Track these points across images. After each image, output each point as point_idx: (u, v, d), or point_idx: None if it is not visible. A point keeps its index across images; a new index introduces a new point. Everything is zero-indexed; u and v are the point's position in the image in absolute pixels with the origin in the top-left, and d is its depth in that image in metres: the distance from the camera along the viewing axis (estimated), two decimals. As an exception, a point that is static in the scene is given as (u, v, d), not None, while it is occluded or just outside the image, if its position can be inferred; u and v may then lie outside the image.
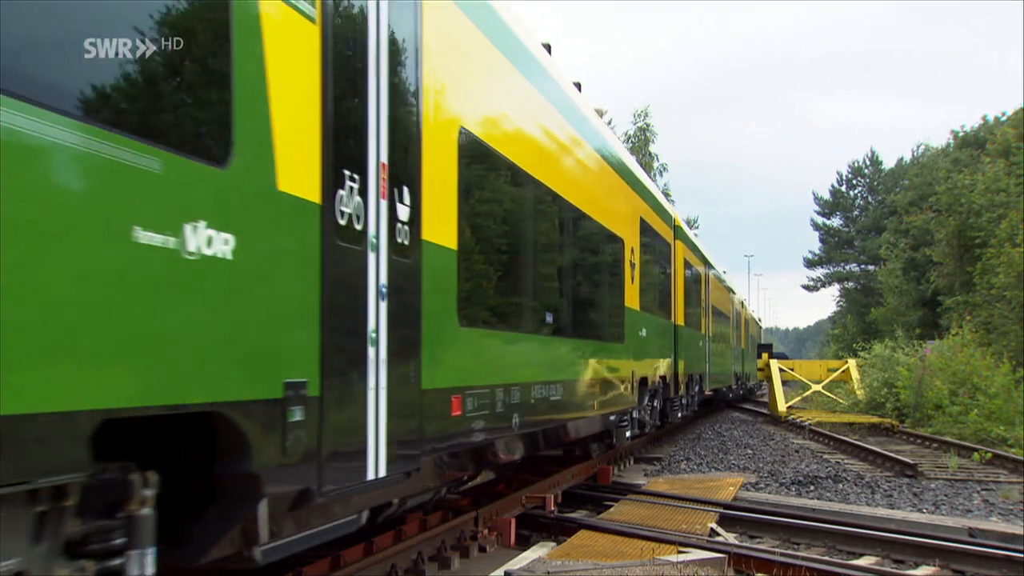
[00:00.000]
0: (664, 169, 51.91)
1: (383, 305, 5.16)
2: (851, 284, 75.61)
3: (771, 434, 22.79)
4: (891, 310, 50.63)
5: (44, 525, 3.20)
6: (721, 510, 10.68)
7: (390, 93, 5.35)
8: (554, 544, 8.81)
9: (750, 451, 18.33)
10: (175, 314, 3.54)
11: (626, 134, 48.79)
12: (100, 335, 3.16)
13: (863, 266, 73.78)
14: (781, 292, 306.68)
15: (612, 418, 12.16)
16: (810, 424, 23.29)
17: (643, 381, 14.09)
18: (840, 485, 13.34)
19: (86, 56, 3.16)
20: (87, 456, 3.16)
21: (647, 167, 46.56)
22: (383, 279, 5.18)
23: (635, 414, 13.72)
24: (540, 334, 8.83)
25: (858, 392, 27.97)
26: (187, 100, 3.76)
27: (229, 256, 3.80)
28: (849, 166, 79.01)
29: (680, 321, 18.59)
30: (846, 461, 16.70)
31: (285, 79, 4.31)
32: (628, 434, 13.49)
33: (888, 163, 76.19)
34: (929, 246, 42.44)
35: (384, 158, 5.24)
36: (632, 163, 15.17)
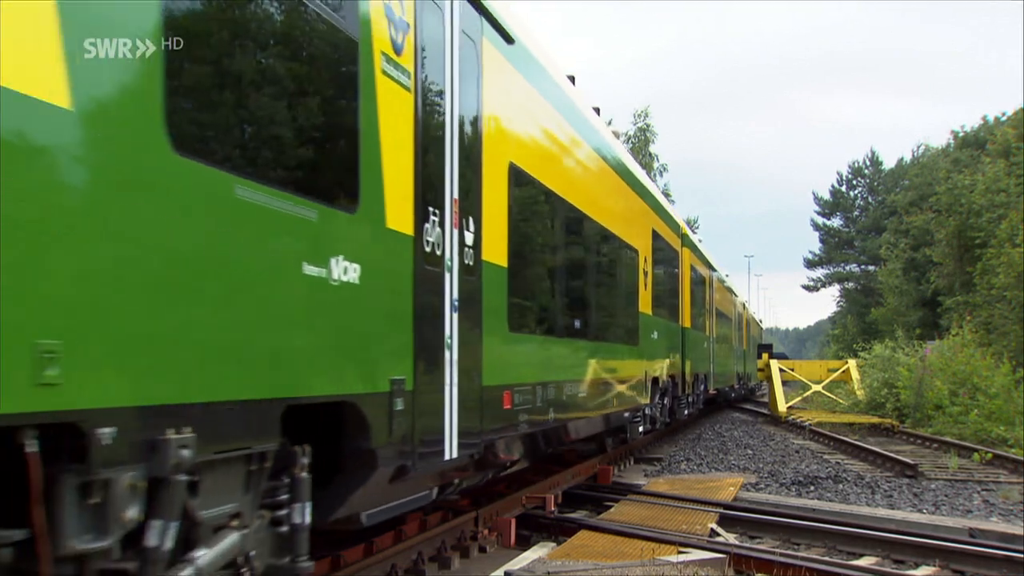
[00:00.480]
0: (664, 169, 51.92)
1: (455, 316, 6.27)
2: (851, 284, 75.55)
3: (771, 434, 22.79)
4: (891, 310, 50.60)
5: (250, 480, 4.23)
6: (721, 510, 10.67)
7: (460, 141, 6.49)
8: (554, 544, 8.81)
9: (750, 451, 18.33)
10: (328, 327, 4.63)
11: (626, 134, 48.76)
12: (291, 345, 4.33)
13: (863, 266, 73.73)
14: (781, 292, 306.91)
15: (626, 414, 12.95)
16: (810, 424, 23.29)
17: (655, 381, 15.03)
18: (840, 485, 13.34)
19: (279, 144, 4.41)
20: (279, 431, 4.26)
21: (647, 167, 46.54)
22: (455, 294, 6.29)
23: (647, 411, 14.47)
24: (570, 338, 9.89)
25: (858, 392, 27.96)
26: (331, 165, 4.88)
27: (357, 281, 4.88)
28: (849, 166, 79.02)
29: (687, 323, 19.53)
30: (846, 461, 16.70)
31: (392, 138, 5.40)
32: (641, 429, 14.34)
33: (888, 163, 76.22)
34: (929, 246, 42.40)
35: (455, 195, 6.37)
36: (644, 178, 16.28)
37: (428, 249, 5.82)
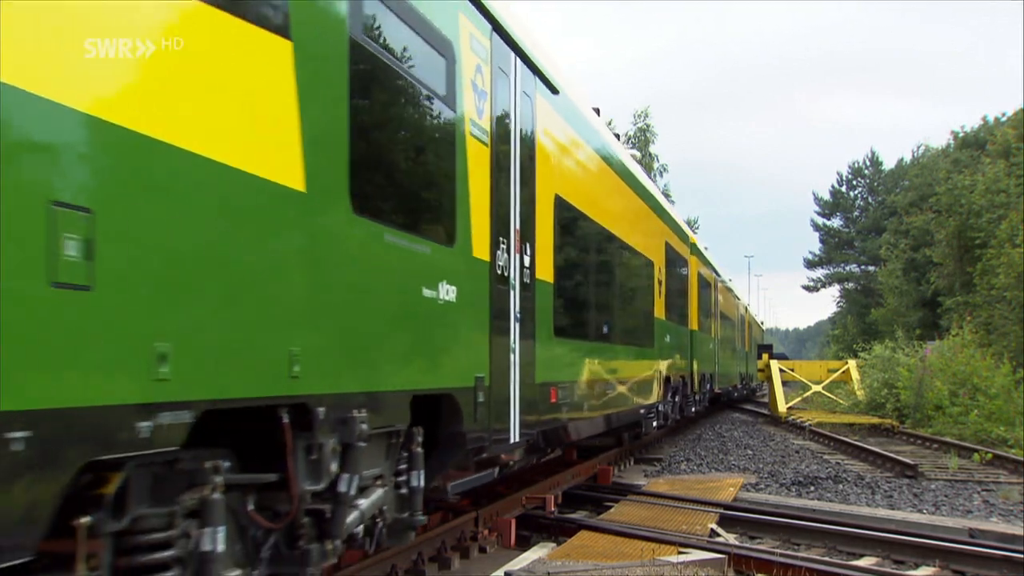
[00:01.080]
0: (664, 170, 51.92)
1: (517, 325, 7.67)
2: (851, 285, 75.53)
3: (771, 435, 22.80)
4: (891, 311, 50.60)
5: (389, 452, 5.60)
6: (721, 511, 10.67)
7: (520, 181, 7.87)
8: (554, 545, 8.81)
9: (750, 452, 18.33)
10: (437, 336, 6.09)
11: (626, 135, 48.74)
12: (416, 349, 5.80)
13: (863, 267, 73.72)
14: (781, 292, 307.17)
15: (642, 411, 14.16)
16: (810, 425, 23.30)
17: (667, 380, 16.54)
18: (840, 486, 13.34)
19: (407, 199, 5.86)
20: (409, 415, 5.63)
21: (647, 168, 46.53)
22: (517, 308, 7.70)
23: (660, 408, 15.82)
24: (600, 342, 11.26)
25: (858, 393, 27.96)
26: (439, 210, 6.27)
27: (454, 300, 6.24)
28: (849, 166, 79.02)
29: (695, 327, 20.95)
30: (846, 462, 16.71)
31: (476, 184, 6.76)
32: (655, 424, 15.67)
33: (888, 163, 76.16)
34: (929, 247, 42.40)
35: (517, 226, 7.77)
36: (658, 193, 18.04)
37: (499, 271, 7.27)
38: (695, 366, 20.61)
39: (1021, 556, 8.39)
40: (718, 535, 9.53)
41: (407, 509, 5.89)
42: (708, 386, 23.87)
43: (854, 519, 10.51)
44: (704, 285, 23.64)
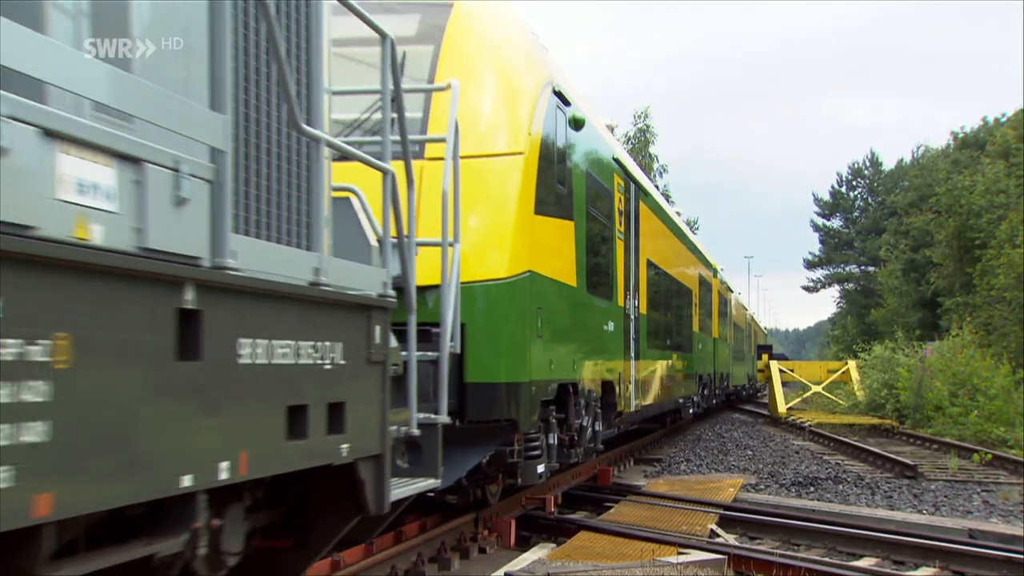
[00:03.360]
0: (664, 170, 51.81)
1: (633, 341, 12.93)
2: (851, 285, 75.45)
3: (771, 435, 22.79)
4: (891, 311, 50.51)
5: (591, 409, 10.52)
6: (721, 511, 10.67)
7: (635, 256, 13.33)
8: (554, 545, 8.81)
9: (750, 452, 18.33)
10: (608, 350, 11.44)
11: (626, 135, 48.67)
12: (603, 356, 11.17)
13: (863, 267, 73.66)
14: (781, 293, 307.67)
15: (681, 400, 18.88)
16: (810, 425, 23.29)
17: (700, 377, 21.81)
18: (840, 486, 13.34)
19: (600, 280, 11.37)
20: (600, 391, 11.04)
21: (647, 168, 46.48)
22: (633, 331, 12.97)
23: (695, 398, 21.01)
24: (667, 350, 16.64)
25: (858, 393, 27.97)
26: (609, 282, 11.59)
27: (613, 330, 11.66)
28: (849, 167, 78.83)
29: (716, 335, 26.51)
30: (846, 462, 16.70)
31: (619, 264, 12.01)
32: (691, 412, 21.14)
33: (888, 164, 76.06)
34: (929, 247, 42.35)
35: (633, 282, 13.00)
36: (697, 240, 25.14)
37: (627, 312, 12.56)
38: (716, 367, 25.93)
39: (1021, 556, 8.38)
40: (718, 535, 9.52)
41: (592, 442, 10.51)
42: (724, 383, 29.57)
43: (854, 520, 10.51)
44: (722, 301, 29.69)
